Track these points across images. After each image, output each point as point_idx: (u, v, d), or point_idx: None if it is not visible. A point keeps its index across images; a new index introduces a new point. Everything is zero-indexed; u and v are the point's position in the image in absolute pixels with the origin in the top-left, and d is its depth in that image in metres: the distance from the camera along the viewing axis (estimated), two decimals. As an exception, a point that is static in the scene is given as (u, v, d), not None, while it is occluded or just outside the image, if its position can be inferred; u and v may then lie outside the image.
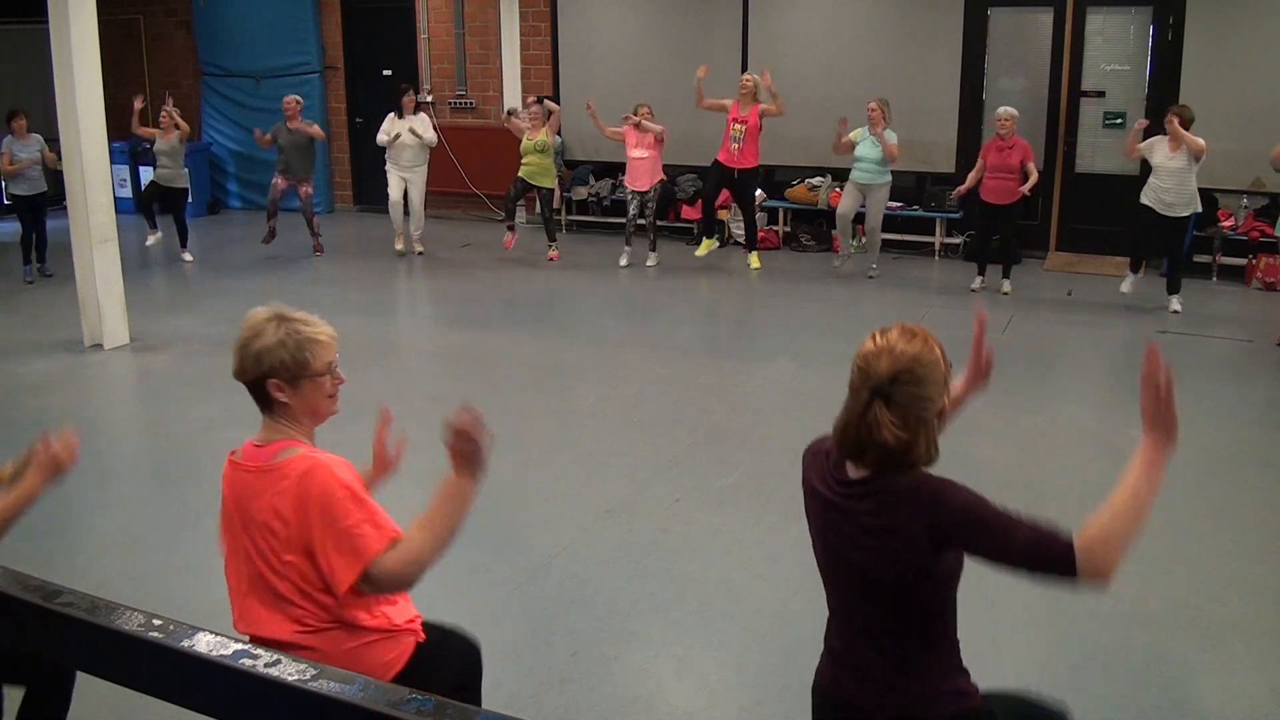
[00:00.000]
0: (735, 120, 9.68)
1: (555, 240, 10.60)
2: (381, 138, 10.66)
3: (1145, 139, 8.40)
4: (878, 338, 2.12)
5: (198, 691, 1.03)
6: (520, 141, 10.25)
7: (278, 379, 2.33)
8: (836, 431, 2.16)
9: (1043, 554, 1.96)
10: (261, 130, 10.76)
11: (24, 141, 9.58)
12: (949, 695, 2.15)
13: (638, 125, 9.99)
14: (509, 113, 10.62)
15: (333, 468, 2.25)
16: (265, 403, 2.38)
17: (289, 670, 0.99)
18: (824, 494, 2.21)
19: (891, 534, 2.07)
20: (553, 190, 10.62)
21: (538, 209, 10.76)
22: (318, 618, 2.27)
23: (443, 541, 2.24)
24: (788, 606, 4.20)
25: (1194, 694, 3.66)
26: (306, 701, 0.97)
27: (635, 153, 10.10)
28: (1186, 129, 8.03)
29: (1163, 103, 9.71)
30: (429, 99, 12.83)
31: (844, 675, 2.24)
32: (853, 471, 2.15)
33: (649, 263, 10.32)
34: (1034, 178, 8.81)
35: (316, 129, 10.77)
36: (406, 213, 10.85)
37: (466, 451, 2.25)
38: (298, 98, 10.85)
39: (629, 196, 10.36)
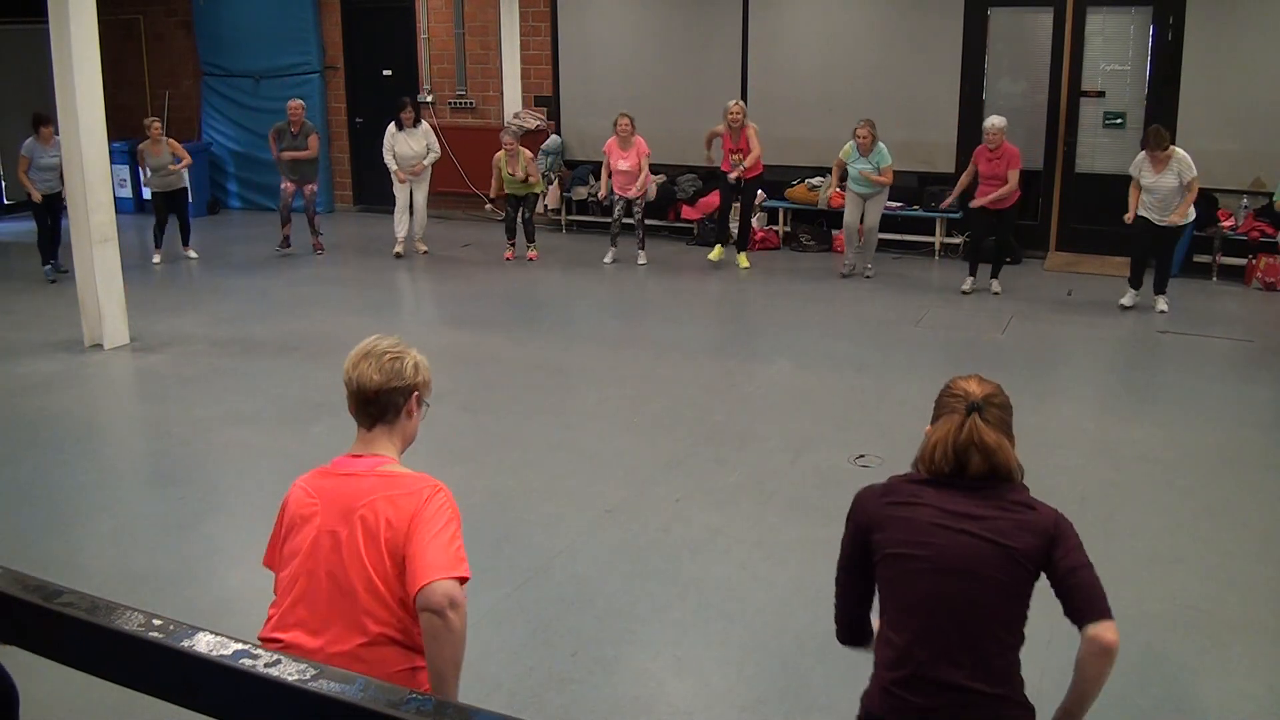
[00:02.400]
0: (732, 152, 9.84)
1: (534, 241, 10.75)
2: (389, 160, 10.68)
3: (1135, 160, 8.42)
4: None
5: (198, 691, 1.03)
6: (501, 172, 10.37)
7: (420, 394, 2.43)
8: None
9: None
10: (276, 145, 10.77)
11: (46, 148, 9.56)
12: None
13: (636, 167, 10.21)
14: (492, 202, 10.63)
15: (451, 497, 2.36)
16: (383, 416, 2.40)
17: (289, 670, 0.99)
18: None
19: None
20: (537, 196, 10.82)
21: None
22: (383, 628, 2.26)
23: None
24: (788, 606, 4.20)
25: (1194, 694, 3.66)
26: (306, 701, 0.97)
27: (621, 165, 10.27)
28: (1167, 147, 8.14)
29: (1162, 103, 9.74)
30: (429, 99, 12.83)
31: None
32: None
33: (640, 261, 10.40)
34: (1010, 185, 8.82)
35: (314, 142, 10.86)
36: (409, 212, 10.89)
37: None
38: (302, 102, 10.92)
39: (616, 199, 10.46)
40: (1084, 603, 2.21)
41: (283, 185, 10.86)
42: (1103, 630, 2.21)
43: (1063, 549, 2.20)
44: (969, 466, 2.23)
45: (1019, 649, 2.23)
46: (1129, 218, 8.34)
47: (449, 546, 2.24)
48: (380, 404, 2.38)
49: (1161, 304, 8.52)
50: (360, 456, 2.39)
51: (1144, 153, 8.28)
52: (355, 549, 2.27)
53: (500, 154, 10.36)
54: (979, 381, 2.33)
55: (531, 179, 10.49)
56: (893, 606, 2.24)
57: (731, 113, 9.74)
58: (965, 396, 2.28)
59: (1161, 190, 8.20)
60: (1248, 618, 4.10)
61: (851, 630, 2.42)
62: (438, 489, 2.32)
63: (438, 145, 10.94)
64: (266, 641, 2.31)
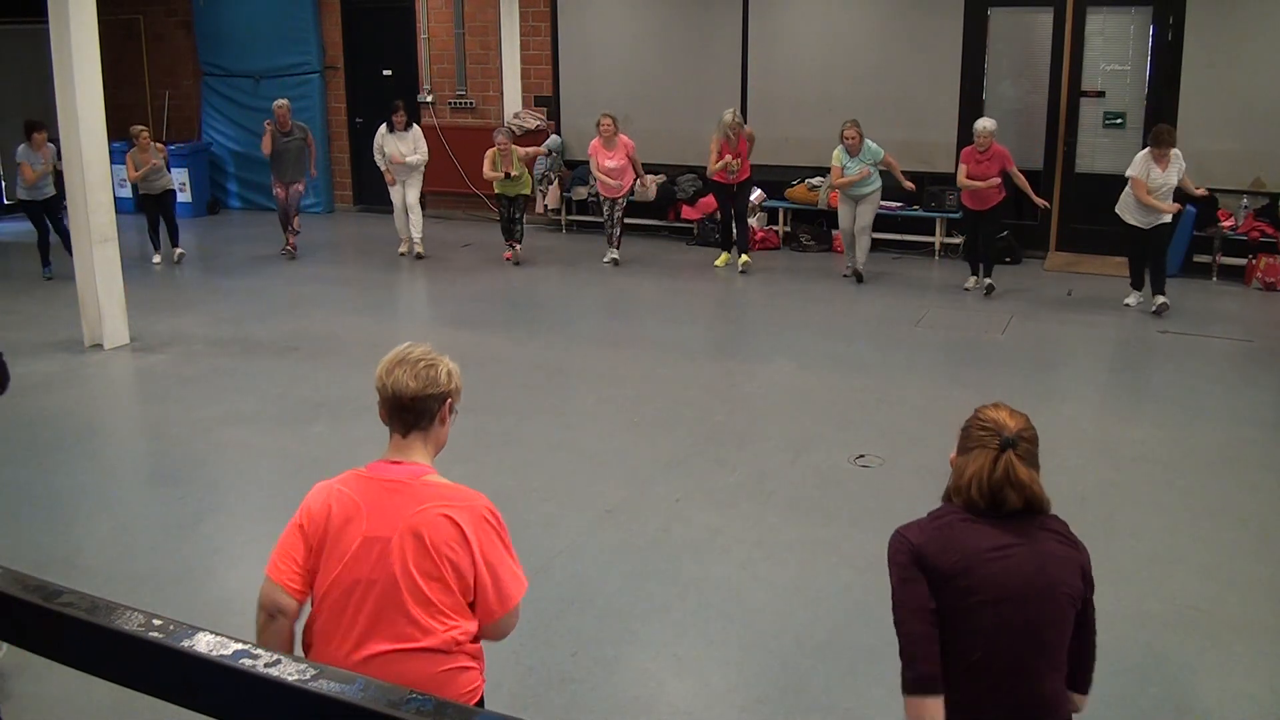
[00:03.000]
0: (730, 157, 9.84)
1: (520, 241, 10.74)
2: (379, 160, 10.79)
3: (1135, 157, 8.46)
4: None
5: (198, 691, 1.03)
6: (497, 171, 10.35)
7: (452, 400, 2.46)
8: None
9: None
10: (268, 133, 10.79)
11: (38, 154, 9.69)
12: None
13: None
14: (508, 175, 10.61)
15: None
16: (418, 423, 2.42)
17: (289, 670, 0.99)
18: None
19: None
20: (528, 197, 10.84)
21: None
22: (426, 638, 2.27)
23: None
24: (788, 606, 4.20)
25: (1194, 694, 3.66)
26: (306, 701, 0.97)
27: (608, 164, 10.28)
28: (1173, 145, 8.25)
29: (1162, 103, 9.74)
30: (429, 99, 12.83)
31: None
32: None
33: (606, 258, 10.43)
34: (1023, 181, 8.94)
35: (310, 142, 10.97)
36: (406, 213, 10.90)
37: None
38: (288, 102, 10.92)
39: (603, 201, 10.47)
40: (1082, 670, 2.29)
41: (275, 191, 10.89)
42: (1082, 703, 2.32)
43: (1090, 599, 2.27)
44: (1005, 504, 2.24)
45: (1063, 674, 2.25)
46: (1175, 208, 8.37)
47: (511, 572, 2.38)
48: (415, 410, 2.40)
49: (1161, 302, 8.54)
50: (399, 463, 2.40)
51: (1147, 152, 8.30)
52: (405, 558, 2.27)
53: (492, 151, 10.35)
54: (1010, 413, 2.30)
55: (529, 162, 10.46)
56: (953, 636, 2.21)
57: (731, 125, 9.75)
58: (998, 430, 2.25)
59: (1165, 189, 8.29)
60: (1248, 618, 4.10)
61: (935, 673, 2.16)
62: (489, 508, 2.39)
63: (425, 151, 10.91)
64: (307, 648, 2.34)
